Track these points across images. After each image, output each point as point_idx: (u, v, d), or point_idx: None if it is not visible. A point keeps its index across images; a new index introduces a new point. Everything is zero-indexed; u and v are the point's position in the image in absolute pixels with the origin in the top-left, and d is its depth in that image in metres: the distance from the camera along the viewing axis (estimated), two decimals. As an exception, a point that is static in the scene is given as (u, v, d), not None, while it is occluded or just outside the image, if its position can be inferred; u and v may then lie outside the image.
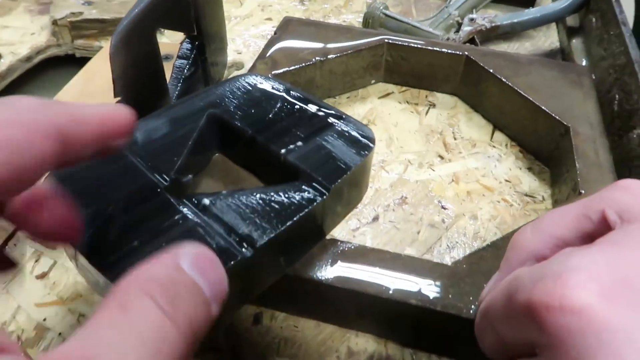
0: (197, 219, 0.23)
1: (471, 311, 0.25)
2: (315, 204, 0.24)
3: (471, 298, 0.25)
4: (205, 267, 0.16)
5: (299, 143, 0.27)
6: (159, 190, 0.24)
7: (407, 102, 0.45)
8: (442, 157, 0.40)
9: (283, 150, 0.27)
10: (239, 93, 0.30)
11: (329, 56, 0.42)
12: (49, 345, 0.27)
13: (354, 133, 0.28)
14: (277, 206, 0.24)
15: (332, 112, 0.29)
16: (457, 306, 0.25)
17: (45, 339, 0.28)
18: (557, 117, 0.37)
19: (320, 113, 0.29)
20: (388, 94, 0.46)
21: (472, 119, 0.43)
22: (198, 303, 0.15)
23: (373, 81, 0.46)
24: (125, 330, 0.13)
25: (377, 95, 0.45)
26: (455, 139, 0.41)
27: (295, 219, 0.23)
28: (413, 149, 0.40)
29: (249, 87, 0.31)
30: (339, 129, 0.28)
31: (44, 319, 0.28)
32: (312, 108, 0.30)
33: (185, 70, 0.39)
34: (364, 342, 0.28)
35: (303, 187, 0.25)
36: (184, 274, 0.15)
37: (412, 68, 0.45)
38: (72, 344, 0.12)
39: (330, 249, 0.27)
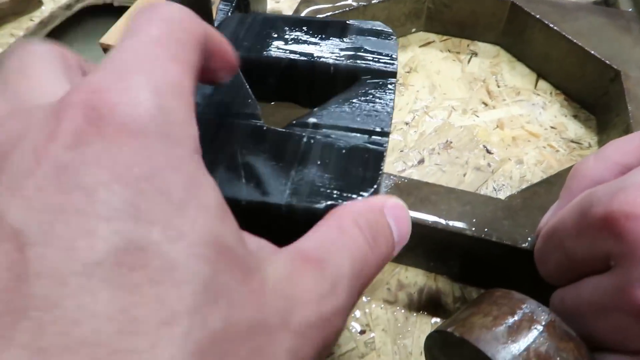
0: (323, 134, 0.24)
1: (527, 243, 0.25)
2: (394, 82, 0.27)
3: (527, 230, 0.26)
4: (399, 217, 0.19)
5: (336, 50, 0.29)
6: (265, 128, 0.24)
7: (449, 51, 0.44)
8: (485, 104, 0.39)
9: (330, 61, 0.28)
10: (243, 31, 0.30)
11: (373, 1, 0.41)
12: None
13: (368, 28, 0.30)
14: (371, 98, 0.26)
15: (336, 20, 0.31)
16: (513, 237, 0.25)
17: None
18: (607, 62, 0.36)
19: (328, 25, 0.30)
20: (429, 43, 0.45)
21: (515, 68, 0.43)
22: (389, 244, 0.17)
23: (414, 30, 0.46)
24: (343, 247, 0.15)
25: (418, 43, 0.45)
26: (498, 86, 0.41)
27: (392, 100, 0.26)
28: (456, 96, 0.40)
29: (244, 23, 0.31)
30: (355, 28, 0.30)
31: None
32: (317, 24, 0.31)
33: (229, 14, 0.39)
34: (413, 276, 0.29)
35: (373, 80, 0.27)
36: (384, 218, 0.18)
37: (454, 15, 0.44)
38: (309, 245, 0.15)
39: (384, 182, 0.28)
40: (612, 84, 0.36)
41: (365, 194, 0.22)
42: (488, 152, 0.36)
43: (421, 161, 0.35)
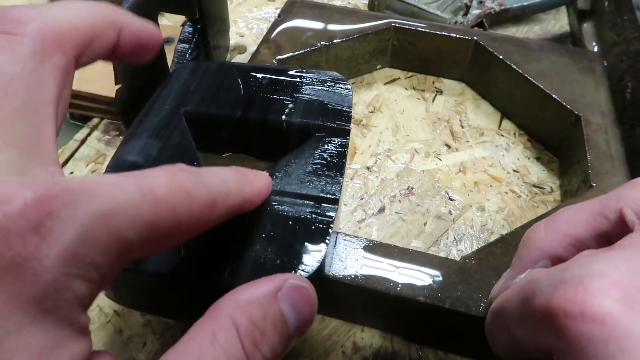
0: (269, 202, 0.23)
1: (480, 309, 0.25)
2: (347, 144, 0.26)
3: (480, 295, 0.25)
4: (298, 301, 0.17)
5: (290, 106, 0.28)
6: None
7: (414, 89, 0.44)
8: (449, 146, 0.39)
9: (283, 117, 0.27)
10: (195, 82, 0.30)
11: (335, 40, 0.41)
12: None
13: (324, 80, 0.30)
14: (322, 161, 0.26)
15: (292, 69, 0.30)
16: (466, 303, 0.25)
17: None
18: (568, 106, 0.36)
19: (283, 74, 0.30)
20: (394, 80, 0.45)
21: (479, 107, 0.43)
22: (281, 341, 0.16)
23: (379, 66, 0.45)
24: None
25: (383, 80, 0.44)
26: (462, 127, 0.41)
27: (344, 162, 0.26)
28: (419, 138, 0.40)
29: (197, 73, 0.30)
30: (310, 80, 0.30)
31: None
32: (272, 74, 0.30)
33: (187, 55, 0.38)
34: (369, 337, 0.28)
35: (326, 138, 0.27)
36: (275, 306, 0.16)
37: (419, 53, 0.44)
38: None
39: (337, 243, 0.27)
40: (573, 128, 0.36)
41: (307, 271, 0.21)
42: (450, 199, 0.35)
43: (382, 209, 0.34)
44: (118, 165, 0.25)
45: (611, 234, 0.20)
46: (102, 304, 0.28)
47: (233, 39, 0.47)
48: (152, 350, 0.27)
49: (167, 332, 0.28)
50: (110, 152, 0.37)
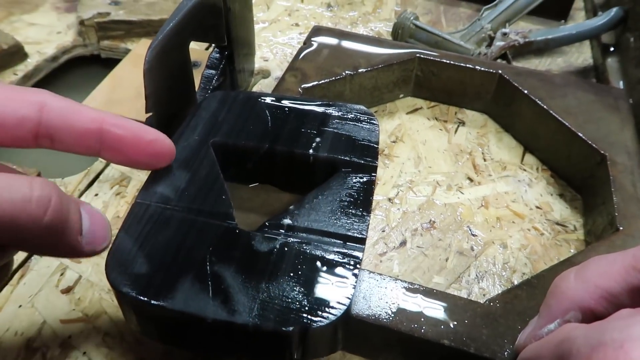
0: (296, 240, 0.23)
1: (505, 354, 0.24)
2: (374, 181, 0.26)
3: (506, 341, 0.25)
4: (95, 218, 0.22)
5: (317, 139, 0.28)
6: (237, 231, 0.24)
7: (436, 119, 0.44)
8: (471, 180, 0.39)
9: (310, 151, 0.28)
10: (223, 113, 0.30)
11: (360, 70, 0.41)
12: (73, 365, 0.27)
13: (351, 114, 0.30)
14: (349, 198, 0.26)
15: (319, 102, 0.31)
16: (492, 349, 0.24)
17: (71, 357, 0.27)
18: (594, 145, 0.36)
19: (312, 107, 0.30)
20: (416, 109, 0.45)
21: (502, 140, 0.42)
22: (74, 224, 0.21)
23: (402, 95, 0.45)
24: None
25: (405, 110, 0.45)
26: (484, 160, 0.41)
27: (371, 200, 0.26)
28: (441, 170, 0.39)
29: (225, 103, 0.31)
30: (338, 114, 0.30)
31: (69, 337, 0.28)
32: (301, 105, 0.30)
33: (214, 81, 0.39)
34: (390, 375, 0.28)
35: (352, 174, 0.27)
36: (77, 205, 0.21)
37: (442, 84, 0.44)
38: None
39: (361, 280, 0.27)
40: (598, 167, 0.36)
41: (336, 314, 0.21)
42: (472, 234, 0.35)
43: (403, 243, 0.34)
44: (148, 196, 0.25)
45: (645, 290, 0.20)
46: (124, 331, 0.29)
47: (257, 63, 0.48)
48: (172, 380, 0.27)
49: (187, 363, 0.28)
50: (135, 175, 0.38)
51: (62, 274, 0.31)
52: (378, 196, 0.37)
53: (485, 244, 0.35)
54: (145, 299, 0.21)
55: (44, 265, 0.32)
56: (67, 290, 0.30)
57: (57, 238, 0.20)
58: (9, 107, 0.21)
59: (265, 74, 0.48)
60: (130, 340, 0.28)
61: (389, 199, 0.37)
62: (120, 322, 0.29)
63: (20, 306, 0.29)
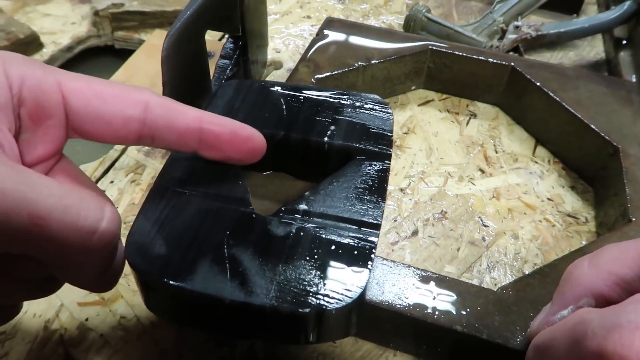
0: (312, 225, 0.24)
1: (518, 341, 0.24)
2: (388, 168, 0.26)
3: (518, 327, 0.25)
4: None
5: (332, 127, 0.28)
6: (254, 216, 0.24)
7: (448, 111, 0.44)
8: (482, 171, 0.39)
9: (325, 138, 0.28)
10: (239, 101, 0.30)
11: (372, 61, 0.41)
12: (90, 347, 0.28)
13: (365, 103, 0.30)
14: (364, 185, 0.26)
15: (333, 91, 0.31)
16: (504, 335, 0.25)
17: (88, 339, 0.28)
18: (606, 136, 0.36)
19: (325, 96, 0.30)
20: (428, 101, 0.45)
21: (514, 132, 0.42)
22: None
23: (413, 87, 0.45)
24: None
25: (417, 102, 0.45)
26: (496, 152, 0.41)
27: (386, 187, 0.26)
28: (453, 161, 0.40)
29: (241, 92, 0.31)
30: (352, 103, 0.30)
31: (86, 319, 0.29)
32: (315, 94, 0.30)
33: (228, 71, 0.39)
34: (402, 361, 0.28)
35: (367, 162, 0.27)
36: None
37: (454, 76, 0.44)
38: None
39: (374, 267, 0.27)
40: (610, 159, 0.36)
41: (352, 297, 0.21)
42: (483, 225, 0.35)
43: (415, 232, 0.34)
44: (166, 181, 0.25)
45: (658, 276, 0.20)
46: (140, 314, 0.29)
47: (269, 55, 0.48)
48: (187, 363, 0.27)
49: (203, 346, 0.28)
50: (150, 162, 0.38)
51: (79, 259, 0.32)
52: (390, 186, 0.37)
53: (497, 234, 0.35)
54: (165, 279, 0.21)
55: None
56: (84, 275, 0.31)
57: (90, 276, 0.21)
58: (116, 108, 0.21)
59: (278, 65, 0.48)
60: (146, 323, 0.29)
61: (401, 189, 0.37)
62: (136, 305, 0.29)
63: (38, 289, 0.30)
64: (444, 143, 0.41)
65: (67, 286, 0.30)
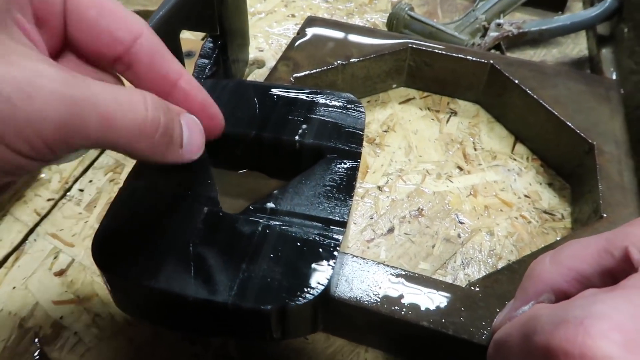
0: (278, 223, 0.24)
1: (483, 337, 0.25)
2: (357, 167, 0.27)
3: (484, 323, 0.25)
4: (193, 128, 0.23)
5: (304, 126, 0.29)
6: (221, 214, 0.24)
7: (428, 109, 0.44)
8: (461, 169, 0.39)
9: (297, 137, 0.28)
10: (213, 99, 0.30)
11: (352, 60, 0.41)
12: (64, 345, 0.28)
13: (338, 102, 0.30)
14: (332, 183, 0.26)
15: (308, 90, 0.31)
16: (470, 331, 0.25)
17: (62, 337, 0.28)
18: (582, 134, 0.36)
19: (300, 95, 0.31)
20: (409, 100, 0.45)
21: (493, 129, 0.43)
22: (176, 138, 0.22)
23: (394, 85, 0.46)
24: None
25: (398, 100, 0.45)
26: (475, 149, 0.41)
27: (354, 185, 0.26)
28: (432, 159, 0.40)
29: (215, 91, 0.31)
30: (325, 101, 0.30)
31: (61, 317, 0.29)
32: (289, 93, 0.31)
33: (207, 70, 0.39)
34: (373, 358, 0.29)
35: (337, 160, 0.27)
36: (177, 117, 0.22)
37: (435, 74, 0.44)
38: None
39: (344, 264, 0.27)
40: (586, 156, 0.36)
41: (314, 293, 0.22)
42: (459, 222, 0.35)
43: (391, 230, 0.35)
44: (136, 180, 0.26)
45: (616, 272, 0.20)
46: (114, 312, 0.29)
47: (252, 53, 0.48)
48: (160, 360, 0.28)
49: (176, 344, 0.28)
50: (129, 162, 0.38)
51: (55, 258, 0.32)
52: (368, 184, 0.38)
53: (473, 231, 0.35)
54: (130, 278, 0.22)
55: (38, 249, 0.32)
56: (60, 273, 0.31)
57: (161, 153, 0.21)
58: (109, 25, 0.20)
59: (260, 64, 0.48)
60: (120, 321, 0.29)
61: (379, 187, 0.37)
62: (111, 303, 0.30)
63: (14, 288, 0.30)
64: (424, 141, 0.41)
65: (42, 285, 0.31)
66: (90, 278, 0.31)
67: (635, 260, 0.20)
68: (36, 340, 0.28)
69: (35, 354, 0.28)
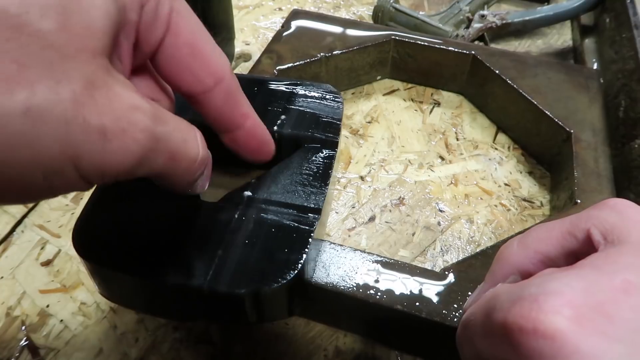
0: (254, 210, 0.25)
1: (455, 319, 0.25)
2: (334, 156, 0.27)
3: (455, 306, 0.26)
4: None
5: (282, 117, 0.29)
6: (199, 202, 0.25)
7: (412, 100, 0.45)
8: (442, 158, 0.40)
9: (275, 128, 0.29)
10: None
11: (335, 52, 0.42)
12: (50, 332, 0.29)
13: (317, 92, 0.31)
14: (309, 172, 0.27)
15: (287, 81, 0.32)
16: (442, 314, 0.26)
17: (48, 325, 0.29)
18: (560, 122, 0.37)
19: (280, 86, 0.31)
20: (393, 91, 0.46)
21: (476, 120, 0.43)
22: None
23: (379, 77, 0.46)
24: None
25: (382, 91, 0.45)
26: (457, 139, 0.41)
27: (330, 173, 0.26)
28: (414, 149, 0.40)
29: None
30: (304, 92, 0.31)
31: (47, 306, 0.30)
32: (269, 84, 0.31)
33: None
34: (351, 342, 0.29)
35: (315, 150, 0.28)
36: None
37: (418, 65, 0.45)
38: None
39: (322, 251, 0.28)
40: (564, 144, 0.37)
41: (287, 277, 0.22)
42: (440, 210, 0.36)
43: (372, 218, 0.35)
44: None
45: (579, 253, 0.21)
46: (99, 300, 0.30)
47: (239, 47, 0.48)
48: (144, 346, 0.28)
49: (159, 330, 0.29)
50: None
51: (42, 248, 0.33)
52: (350, 174, 0.38)
53: (452, 219, 0.36)
54: (109, 266, 0.22)
55: (25, 240, 0.33)
56: (47, 263, 0.32)
57: (192, 186, 0.21)
58: (195, 69, 0.20)
59: (247, 57, 0.49)
60: (105, 309, 0.30)
61: (361, 177, 0.38)
62: (96, 292, 0.30)
63: (2, 277, 0.31)
64: (407, 132, 0.42)
65: (29, 275, 0.31)
66: (77, 268, 0.32)
67: (596, 241, 0.20)
68: (23, 327, 0.29)
69: (23, 341, 0.28)
